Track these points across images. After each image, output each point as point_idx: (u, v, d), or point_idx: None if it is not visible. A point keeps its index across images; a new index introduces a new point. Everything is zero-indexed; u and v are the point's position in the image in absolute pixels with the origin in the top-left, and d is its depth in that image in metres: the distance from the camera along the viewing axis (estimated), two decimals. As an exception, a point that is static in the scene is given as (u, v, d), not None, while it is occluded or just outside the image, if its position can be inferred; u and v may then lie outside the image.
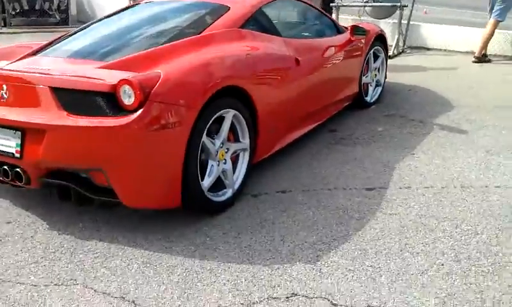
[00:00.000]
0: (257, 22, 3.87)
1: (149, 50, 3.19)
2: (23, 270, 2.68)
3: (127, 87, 2.65)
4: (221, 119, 3.14)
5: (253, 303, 2.38)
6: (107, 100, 2.72)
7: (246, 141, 3.36)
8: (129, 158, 2.74)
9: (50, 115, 2.78)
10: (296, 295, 2.43)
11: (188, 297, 2.43)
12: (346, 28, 5.00)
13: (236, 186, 3.31)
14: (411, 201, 3.33)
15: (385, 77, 5.70)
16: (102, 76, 2.81)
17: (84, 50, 3.46)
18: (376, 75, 5.46)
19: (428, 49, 8.60)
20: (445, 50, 8.46)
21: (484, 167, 3.84)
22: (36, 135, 2.84)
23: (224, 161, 3.21)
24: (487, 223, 3.03)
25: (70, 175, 2.95)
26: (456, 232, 2.94)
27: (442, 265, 2.64)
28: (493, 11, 7.35)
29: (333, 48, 4.52)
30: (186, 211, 3.06)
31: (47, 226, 3.12)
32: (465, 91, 5.94)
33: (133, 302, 2.41)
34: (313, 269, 2.63)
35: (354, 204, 3.30)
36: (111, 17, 4.11)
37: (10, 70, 3.01)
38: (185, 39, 3.35)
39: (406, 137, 4.52)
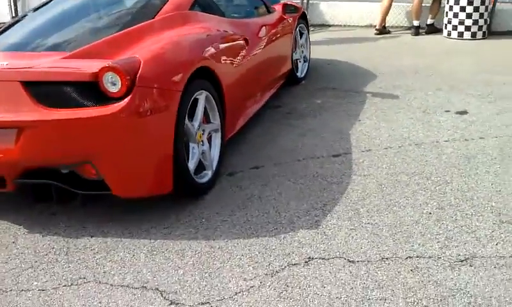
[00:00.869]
0: (202, 3, 3.86)
1: (109, 36, 3.08)
2: (20, 277, 2.51)
3: (110, 75, 2.55)
4: (194, 102, 3.13)
5: (276, 272, 2.44)
6: (87, 90, 2.60)
7: (216, 121, 3.37)
8: (119, 148, 2.65)
9: (24, 111, 2.60)
10: (312, 258, 2.53)
11: (211, 276, 2.43)
12: (273, 7, 5.12)
13: (214, 167, 3.32)
14: (377, 161, 3.56)
15: (309, 53, 5.93)
16: (77, 66, 2.68)
17: (37, 42, 3.24)
18: (302, 51, 5.66)
19: (329, 26, 9.01)
20: (345, 25, 8.91)
21: (427, 125, 4.19)
22: (9, 134, 2.63)
23: (201, 143, 3.20)
24: (452, 173, 3.34)
25: (50, 173, 2.78)
26: (429, 184, 3.22)
27: (430, 213, 2.88)
28: (390, -15, 7.88)
29: (270, 26, 4.63)
30: (168, 197, 2.99)
31: (26, 230, 2.92)
32: (379, 61, 6.35)
33: (157, 289, 2.36)
34: (318, 233, 2.74)
35: (328, 171, 3.45)
36: (48, 5, 3.85)
37: None
38: (142, 23, 3.26)
39: (347, 106, 4.77)
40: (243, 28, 4.07)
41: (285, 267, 2.48)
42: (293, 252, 2.59)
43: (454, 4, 7.31)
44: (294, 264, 2.50)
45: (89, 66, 2.60)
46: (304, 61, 5.72)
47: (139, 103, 2.60)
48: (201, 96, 3.15)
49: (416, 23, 7.84)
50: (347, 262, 2.49)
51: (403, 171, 3.40)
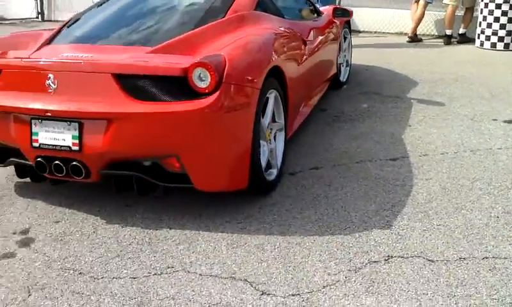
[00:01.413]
0: (264, 4, 3.94)
1: (188, 33, 3.15)
2: (109, 265, 2.58)
3: (201, 71, 2.63)
4: (265, 101, 3.20)
5: (359, 268, 2.51)
6: (176, 84, 2.67)
7: (281, 121, 3.45)
8: (204, 142, 2.73)
9: (114, 103, 2.68)
10: (391, 257, 2.60)
11: (295, 270, 2.51)
12: (321, 11, 5.20)
13: (278, 166, 3.39)
14: (436, 166, 3.63)
15: (351, 58, 6.01)
16: (166, 61, 2.76)
17: (114, 35, 3.32)
18: (345, 55, 5.74)
19: (359, 32, 9.10)
20: (374, 32, 9.00)
21: (478, 132, 4.26)
22: (98, 125, 2.72)
23: (269, 141, 3.28)
24: (511, 179, 3.41)
25: (133, 165, 2.86)
26: (491, 189, 3.28)
27: (497, 217, 2.95)
28: (423, -7, 7.96)
29: (321, 29, 4.71)
30: (234, 194, 3.07)
31: (103, 221, 3.00)
32: (417, 68, 6.43)
33: (246, 280, 2.44)
34: (392, 233, 2.81)
35: (389, 174, 3.53)
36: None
37: (58, 59, 2.83)
38: (216, 21, 3.34)
39: (393, 111, 4.84)
40: (300, 29, 4.15)
41: (366, 264, 2.55)
42: (371, 251, 2.66)
43: (488, 15, 7.38)
44: (375, 261, 2.57)
45: (179, 62, 2.69)
46: (347, 66, 5.81)
47: (226, 100, 2.68)
48: (272, 95, 3.23)
49: (448, 32, 7.92)
50: (427, 261, 2.56)
51: (463, 176, 3.47)
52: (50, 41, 3.29)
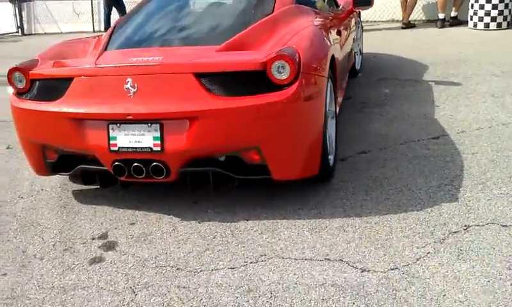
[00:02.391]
0: None
1: (247, 29, 3.22)
2: (203, 258, 2.65)
3: (280, 63, 2.72)
4: None
5: (443, 239, 2.64)
6: (254, 78, 2.76)
7: (333, 108, 3.56)
8: (284, 132, 2.81)
9: (197, 101, 2.74)
10: (469, 226, 2.74)
11: (384, 247, 2.62)
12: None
13: (333, 152, 3.50)
14: (477, 141, 3.80)
15: (362, 46, 6.16)
16: (242, 57, 2.84)
17: (174, 36, 3.40)
18: (358, 44, 5.88)
19: (351, 22, 9.26)
20: (367, 21, 9.18)
21: (503, 107, 4.45)
22: (180, 124, 2.78)
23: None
24: (554, 147, 3.60)
25: (210, 161, 2.93)
26: (538, 157, 3.46)
27: (554, 182, 3.12)
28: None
29: (345, 19, 4.84)
30: (295, 183, 3.14)
31: (178, 219, 3.06)
32: (422, 52, 6.62)
33: (341, 260, 2.54)
34: (461, 205, 2.95)
35: (436, 151, 3.67)
36: (165, 1, 3.97)
37: (136, 62, 2.88)
38: (269, 17, 3.43)
39: (416, 94, 5.01)
40: (333, 20, 4.26)
41: (448, 235, 2.68)
42: (448, 223, 2.79)
43: (481, -4, 7.63)
44: (455, 232, 2.70)
45: (256, 56, 2.76)
46: (360, 54, 5.95)
47: (303, 89, 2.77)
48: (329, 84, 3.32)
49: (441, 15, 8.16)
50: (501, 227, 2.71)
51: (506, 148, 3.64)
52: (106, 46, 3.32)
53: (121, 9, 11.06)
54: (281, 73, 2.72)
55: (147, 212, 3.17)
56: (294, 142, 2.86)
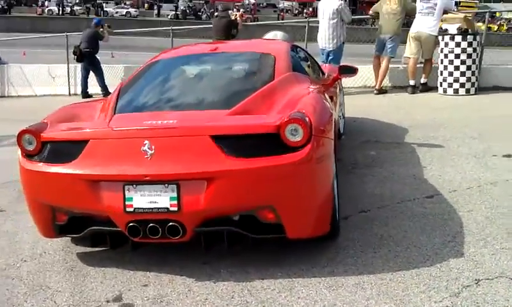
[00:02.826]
0: (295, 66, 4.24)
1: (253, 95, 3.36)
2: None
3: (293, 126, 2.84)
4: None
5: (458, 293, 2.74)
6: (268, 140, 2.87)
7: (335, 169, 3.67)
8: (298, 192, 2.91)
9: (214, 162, 2.82)
10: (479, 280, 2.86)
11: (403, 302, 2.69)
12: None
13: (337, 210, 3.59)
14: (469, 199, 3.97)
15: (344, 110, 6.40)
16: (255, 120, 2.96)
17: (188, 101, 3.50)
18: (341, 109, 6.11)
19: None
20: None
21: (487, 167, 4.69)
22: (196, 185, 2.84)
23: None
24: (544, 204, 3.80)
25: (225, 220, 2.98)
26: (530, 214, 3.65)
27: (549, 237, 3.29)
28: (385, 49, 8.62)
29: (332, 86, 5.06)
30: (301, 241, 3.18)
31: (192, 279, 3.05)
32: (399, 116, 6.92)
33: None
34: (467, 260, 3.07)
35: (433, 210, 3.82)
36: (168, 67, 4.10)
37: (153, 126, 2.95)
38: (270, 83, 3.58)
39: (402, 156, 5.22)
40: (324, 87, 4.46)
41: (462, 289, 2.78)
42: (459, 277, 2.89)
43: (449, 64, 8.10)
44: (468, 285, 2.80)
45: (270, 120, 2.88)
46: (343, 117, 6.17)
47: (316, 151, 2.89)
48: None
49: (412, 82, 8.58)
50: (510, 279, 2.83)
51: (498, 206, 3.82)
52: (114, 110, 3.38)
53: (99, 73, 11.18)
54: (294, 135, 2.84)
55: (158, 273, 3.15)
56: (307, 201, 2.95)
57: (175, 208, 2.85)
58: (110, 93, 11.11)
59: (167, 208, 2.86)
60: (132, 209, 2.89)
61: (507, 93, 8.36)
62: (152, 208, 2.87)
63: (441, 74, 8.30)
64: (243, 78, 3.80)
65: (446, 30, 8.14)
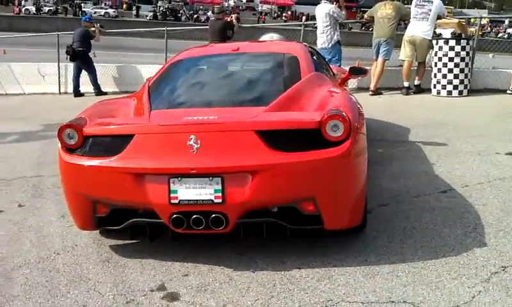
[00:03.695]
0: (315, 66, 4.37)
1: (286, 92, 3.49)
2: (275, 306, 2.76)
3: (334, 122, 2.97)
4: None
5: (488, 279, 2.90)
6: (309, 136, 2.99)
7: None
8: (337, 185, 3.04)
9: (258, 156, 2.93)
10: (506, 266, 3.03)
11: (438, 287, 2.84)
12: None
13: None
14: (482, 194, 4.16)
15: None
16: (296, 116, 3.09)
17: (224, 98, 3.61)
18: (345, 108, 6.27)
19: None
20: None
21: (492, 164, 4.90)
22: (240, 177, 2.95)
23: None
24: (553, 197, 4.01)
25: (265, 212, 3.09)
26: (542, 207, 3.85)
27: None
28: (380, 51, 8.85)
29: (343, 86, 5.23)
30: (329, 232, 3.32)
31: (230, 269, 3.15)
32: (398, 116, 7.13)
33: (405, 301, 2.73)
34: (491, 249, 3.24)
35: (449, 204, 4.00)
36: (195, 66, 4.21)
37: (200, 121, 3.04)
38: (300, 82, 3.71)
39: (409, 153, 5.40)
40: (342, 87, 4.62)
41: (491, 275, 2.94)
42: (486, 265, 3.06)
43: (443, 67, 8.35)
44: (496, 272, 2.97)
45: (311, 116, 3.01)
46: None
47: (354, 146, 3.03)
48: None
49: (406, 84, 8.81)
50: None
51: (510, 199, 4.02)
52: (150, 106, 3.46)
53: (92, 71, 11.16)
54: (335, 131, 2.97)
55: (196, 263, 3.24)
56: (345, 194, 3.08)
57: (219, 200, 2.95)
58: (103, 91, 11.21)
59: (211, 200, 2.96)
60: (177, 201, 2.98)
61: (497, 94, 8.65)
62: (197, 200, 2.96)
63: (435, 76, 8.55)
64: (271, 77, 3.92)
65: (440, 34, 8.40)
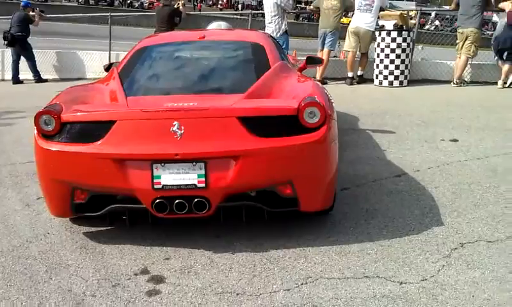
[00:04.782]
0: (282, 57, 4.52)
1: (259, 81, 3.62)
2: (258, 283, 2.91)
3: (311, 109, 3.14)
4: None
5: (449, 254, 3.18)
6: (287, 122, 3.15)
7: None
8: (313, 169, 3.21)
9: (240, 142, 3.05)
10: (463, 243, 3.33)
11: (405, 262, 3.09)
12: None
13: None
14: (433, 177, 4.49)
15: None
16: (274, 103, 3.24)
17: (197, 85, 3.71)
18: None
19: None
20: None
21: (439, 150, 5.27)
22: (223, 163, 3.07)
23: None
24: (492, 180, 4.39)
25: (243, 196, 3.23)
26: (485, 188, 4.22)
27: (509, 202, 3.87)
28: (326, 42, 9.15)
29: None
30: (299, 216, 3.51)
31: (210, 252, 3.27)
32: (346, 106, 7.40)
33: (377, 276, 2.96)
34: (448, 228, 3.54)
35: (405, 187, 4.29)
36: (163, 53, 4.23)
37: (184, 108, 3.11)
38: (269, 71, 3.84)
39: (361, 140, 5.69)
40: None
41: (451, 251, 3.23)
42: (446, 242, 3.34)
43: (385, 58, 8.75)
44: (455, 248, 3.26)
45: (289, 103, 3.16)
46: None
47: (329, 132, 3.21)
48: None
49: (350, 74, 9.17)
50: (488, 242, 3.33)
51: (459, 182, 4.37)
52: (125, 93, 3.49)
53: (31, 58, 10.79)
54: (311, 118, 3.14)
55: (175, 247, 3.33)
56: (320, 178, 3.27)
57: (203, 185, 3.05)
58: (43, 78, 10.86)
59: (194, 185, 3.05)
60: (160, 186, 3.05)
61: (435, 85, 9.18)
62: (180, 185, 3.04)
63: (377, 67, 8.94)
64: (242, 65, 4.03)
65: (383, 26, 8.78)
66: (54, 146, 3.15)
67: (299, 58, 6.45)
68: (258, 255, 3.22)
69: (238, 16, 15.17)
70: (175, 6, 9.91)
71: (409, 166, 4.79)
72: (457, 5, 8.62)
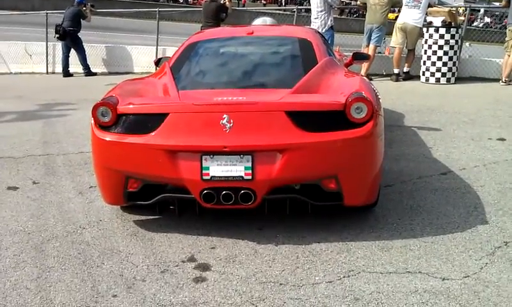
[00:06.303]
0: (329, 53, 4.57)
1: (307, 76, 3.69)
2: (300, 274, 2.98)
3: (359, 104, 3.18)
4: None
5: (492, 253, 3.17)
6: (334, 117, 3.20)
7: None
8: (359, 164, 3.26)
9: (287, 136, 3.12)
10: (507, 242, 3.30)
11: (449, 260, 3.09)
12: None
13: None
14: (479, 176, 4.45)
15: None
16: (322, 98, 3.30)
17: (251, 80, 3.83)
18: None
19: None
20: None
21: (486, 149, 5.19)
22: (270, 156, 3.15)
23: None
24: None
25: (288, 189, 3.31)
26: (535, 189, 4.15)
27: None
28: (372, 38, 9.10)
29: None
30: (342, 210, 3.58)
31: (254, 243, 3.36)
32: (391, 102, 7.38)
33: (420, 272, 2.98)
34: (492, 226, 3.51)
35: (450, 185, 4.27)
36: (213, 48, 4.37)
37: (234, 102, 3.22)
38: (317, 66, 3.90)
39: (406, 137, 5.66)
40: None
41: (495, 249, 3.21)
42: (490, 240, 3.33)
43: (432, 55, 8.64)
44: (499, 247, 3.24)
45: (336, 98, 3.21)
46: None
47: (376, 127, 3.24)
48: None
49: (396, 71, 9.09)
50: (535, 243, 3.29)
51: (505, 181, 4.31)
52: (177, 87, 3.62)
53: (82, 52, 11.16)
54: (358, 113, 3.18)
55: (220, 237, 3.44)
56: (365, 173, 3.31)
57: (249, 177, 3.15)
58: (92, 72, 11.23)
59: (241, 177, 3.15)
60: (208, 177, 3.16)
61: (483, 82, 8.99)
62: (228, 177, 3.15)
63: (424, 64, 8.83)
64: (290, 60, 4.11)
65: (431, 22, 8.67)
66: (110, 137, 3.31)
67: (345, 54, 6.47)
68: (300, 247, 3.29)
69: (281, 12, 15.14)
70: (222, 2, 10.05)
71: (455, 164, 4.75)
72: (509, 2, 8.40)
